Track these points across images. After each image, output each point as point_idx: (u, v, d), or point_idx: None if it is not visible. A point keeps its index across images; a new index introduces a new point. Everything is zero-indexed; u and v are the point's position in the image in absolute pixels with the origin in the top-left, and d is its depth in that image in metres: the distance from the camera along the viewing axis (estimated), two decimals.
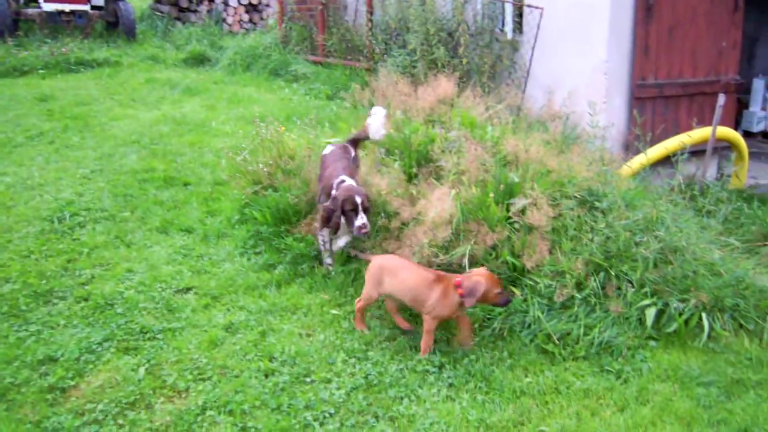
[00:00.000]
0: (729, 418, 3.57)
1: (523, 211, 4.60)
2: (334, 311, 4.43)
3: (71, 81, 10.21)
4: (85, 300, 4.45)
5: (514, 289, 4.40)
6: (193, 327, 4.21)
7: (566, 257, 4.42)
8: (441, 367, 3.89)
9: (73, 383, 3.65)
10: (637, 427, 3.47)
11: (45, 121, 8.13)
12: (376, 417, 3.50)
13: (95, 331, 4.09)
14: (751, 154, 7.70)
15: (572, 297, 4.28)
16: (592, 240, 4.49)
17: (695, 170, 6.85)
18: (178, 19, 14.25)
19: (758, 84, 9.55)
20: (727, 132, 7.21)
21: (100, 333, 4.07)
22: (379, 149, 5.63)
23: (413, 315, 4.30)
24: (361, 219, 4.53)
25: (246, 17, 14.53)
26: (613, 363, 3.98)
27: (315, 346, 4.05)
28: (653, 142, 6.67)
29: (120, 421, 3.40)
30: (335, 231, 4.78)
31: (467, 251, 4.37)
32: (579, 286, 4.35)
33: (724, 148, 7.60)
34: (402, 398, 3.64)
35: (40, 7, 12.07)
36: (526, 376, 3.86)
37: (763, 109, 9.57)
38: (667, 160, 6.21)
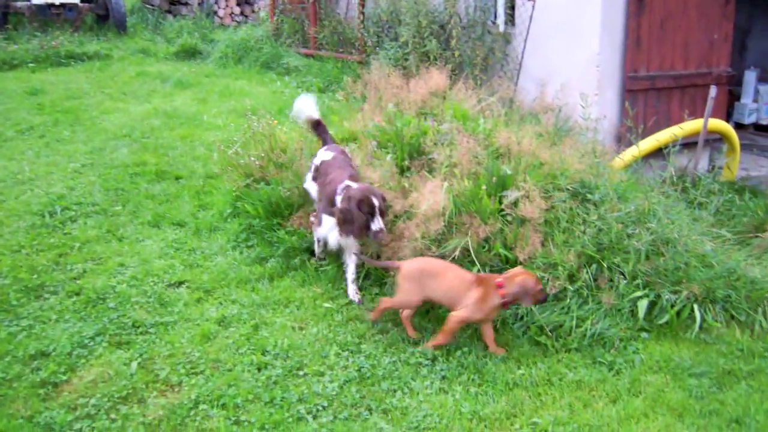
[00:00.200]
0: (720, 408, 3.60)
1: (515, 203, 4.60)
2: (326, 304, 4.43)
3: (61, 74, 10.16)
4: (77, 294, 4.43)
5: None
6: (185, 321, 4.20)
7: (559, 249, 4.43)
8: (434, 359, 3.90)
9: (65, 378, 3.64)
10: (630, 418, 3.49)
11: (35, 115, 8.09)
12: (369, 410, 3.51)
13: (87, 326, 4.07)
14: (742, 145, 7.73)
15: (565, 289, 4.29)
16: (584, 232, 4.50)
17: (687, 162, 6.88)
18: (169, 11, 14.19)
19: (749, 76, 9.58)
20: (718, 124, 7.23)
21: (92, 327, 4.05)
22: (371, 142, 5.61)
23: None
24: (377, 223, 4.26)
25: (237, 10, 14.49)
26: (606, 355, 4.00)
27: (308, 340, 4.05)
28: (645, 134, 6.69)
29: (113, 416, 3.39)
30: (358, 235, 4.34)
31: (460, 244, 4.37)
32: (571, 278, 4.37)
33: (715, 140, 7.64)
34: (395, 391, 3.64)
35: (29, 1, 11.98)
36: (519, 368, 3.87)
37: (755, 101, 9.61)
38: (659, 152, 6.22)
